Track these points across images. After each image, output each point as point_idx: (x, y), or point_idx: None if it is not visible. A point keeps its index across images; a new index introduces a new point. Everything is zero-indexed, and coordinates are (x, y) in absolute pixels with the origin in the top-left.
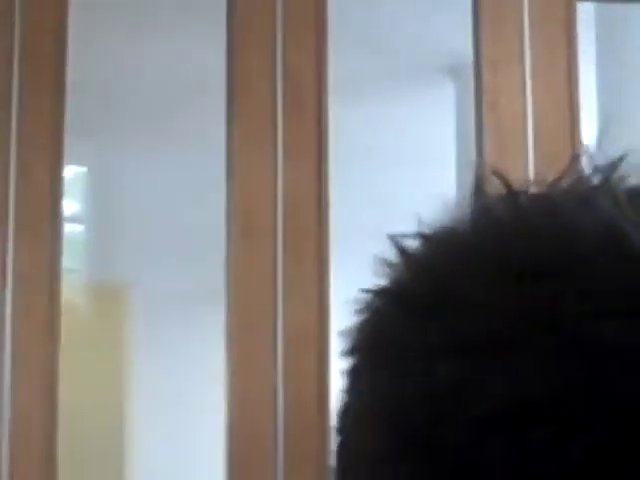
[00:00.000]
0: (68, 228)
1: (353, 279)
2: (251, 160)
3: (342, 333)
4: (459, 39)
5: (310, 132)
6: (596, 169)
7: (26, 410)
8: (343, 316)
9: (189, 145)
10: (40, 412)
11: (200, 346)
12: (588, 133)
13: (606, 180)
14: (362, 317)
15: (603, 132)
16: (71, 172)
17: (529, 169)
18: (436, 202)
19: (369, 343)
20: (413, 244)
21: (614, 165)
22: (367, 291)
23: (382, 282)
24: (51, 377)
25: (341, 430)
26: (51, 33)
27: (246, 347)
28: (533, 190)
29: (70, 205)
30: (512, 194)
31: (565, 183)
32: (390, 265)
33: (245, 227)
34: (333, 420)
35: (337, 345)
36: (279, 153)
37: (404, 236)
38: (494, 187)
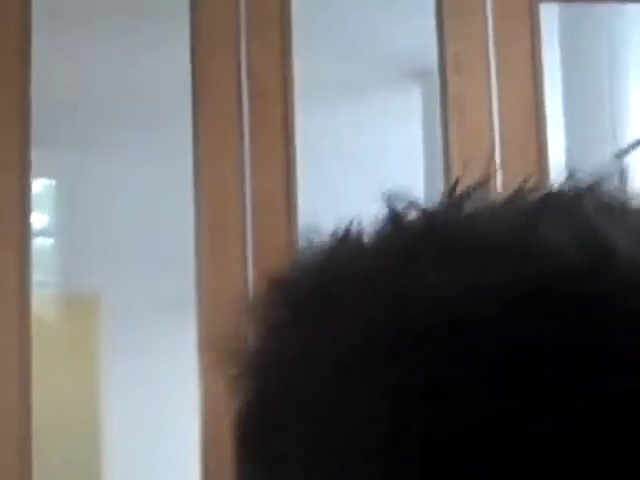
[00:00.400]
0: (38, 241)
1: None
2: (218, 167)
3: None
4: (425, 43)
5: (277, 138)
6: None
7: (0, 428)
8: None
9: (156, 153)
10: (14, 424)
11: (172, 353)
12: (553, 133)
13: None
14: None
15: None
16: (39, 185)
17: (496, 170)
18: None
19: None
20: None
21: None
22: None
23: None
24: (23, 389)
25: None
26: (15, 45)
27: (216, 350)
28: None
29: (39, 218)
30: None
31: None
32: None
33: (214, 234)
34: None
35: None
36: (246, 159)
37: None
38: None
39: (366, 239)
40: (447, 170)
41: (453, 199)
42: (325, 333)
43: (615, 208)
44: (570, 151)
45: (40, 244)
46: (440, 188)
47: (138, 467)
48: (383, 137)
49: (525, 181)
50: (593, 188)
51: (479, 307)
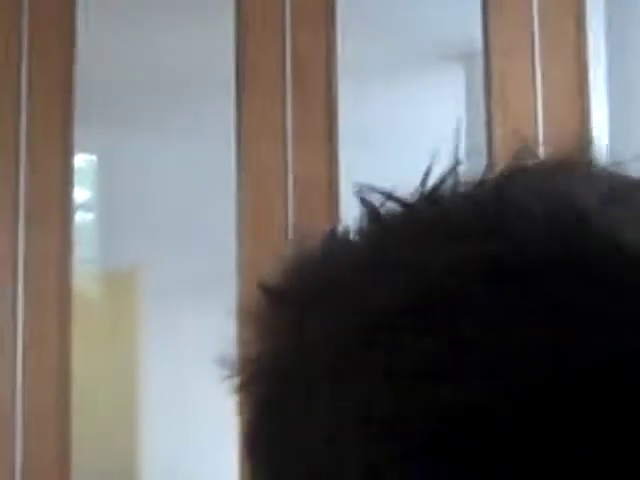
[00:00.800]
0: (79, 216)
1: None
2: (261, 144)
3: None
4: (470, 25)
5: (320, 115)
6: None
7: (40, 398)
8: None
9: (198, 130)
10: (55, 399)
11: (211, 331)
12: (598, 118)
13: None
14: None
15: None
16: (81, 161)
17: (539, 154)
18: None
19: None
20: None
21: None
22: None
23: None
24: (64, 363)
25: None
26: (59, 24)
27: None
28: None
29: (80, 193)
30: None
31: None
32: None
33: (255, 213)
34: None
35: None
36: (289, 139)
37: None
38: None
39: (352, 236)
40: (489, 151)
41: (427, 188)
42: (314, 332)
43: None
44: (613, 134)
45: (80, 219)
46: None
47: (175, 443)
48: (426, 117)
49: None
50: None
51: (449, 282)
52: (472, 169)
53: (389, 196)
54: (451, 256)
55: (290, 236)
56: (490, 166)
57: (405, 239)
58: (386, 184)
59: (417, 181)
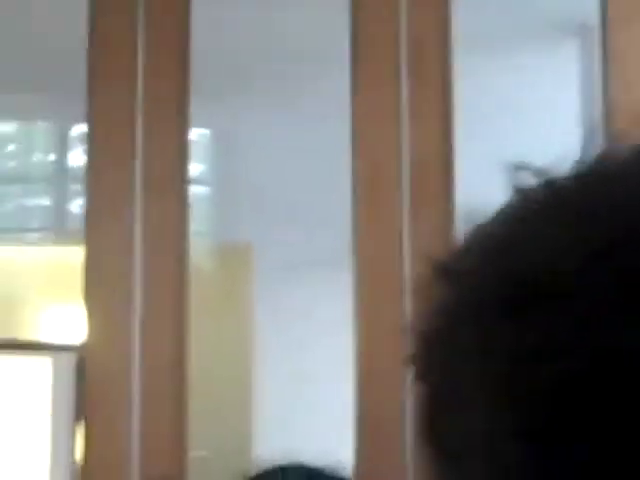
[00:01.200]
0: (193, 190)
1: None
2: (376, 121)
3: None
4: None
5: (435, 91)
6: None
7: (157, 370)
8: None
9: (313, 105)
10: (171, 371)
11: (325, 307)
12: None
13: None
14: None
15: None
16: (195, 134)
17: None
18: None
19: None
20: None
21: None
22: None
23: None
24: (181, 335)
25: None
26: None
27: (373, 307)
28: None
29: (195, 167)
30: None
31: None
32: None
33: (371, 189)
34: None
35: None
36: (404, 114)
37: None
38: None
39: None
40: (607, 125)
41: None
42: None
43: None
44: None
45: (194, 193)
46: (598, 142)
47: (290, 417)
48: (541, 92)
49: None
50: None
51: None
52: (592, 145)
53: (539, 173)
54: (581, 235)
55: (405, 213)
56: (611, 140)
57: (550, 216)
58: (503, 159)
59: (532, 156)
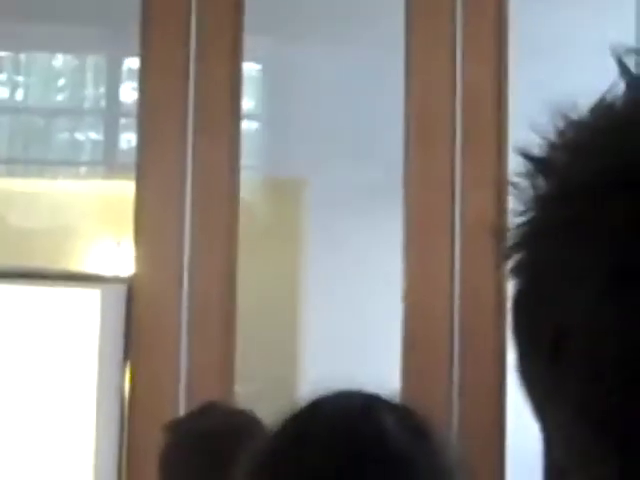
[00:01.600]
0: (245, 125)
1: None
2: (430, 59)
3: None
4: None
5: (490, 30)
6: None
7: (207, 299)
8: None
9: (367, 40)
10: (220, 300)
11: (375, 243)
12: None
13: None
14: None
15: None
16: (246, 69)
17: None
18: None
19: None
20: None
21: None
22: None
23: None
24: (230, 267)
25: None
26: None
27: (423, 244)
28: None
29: (246, 102)
30: None
31: None
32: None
33: (423, 125)
34: (509, 318)
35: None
36: (458, 51)
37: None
38: None
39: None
40: None
41: None
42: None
43: None
44: None
45: (246, 128)
46: None
47: (336, 355)
48: (597, 28)
49: None
50: None
51: None
52: None
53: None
54: None
55: (458, 149)
56: None
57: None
58: (557, 97)
59: (585, 92)
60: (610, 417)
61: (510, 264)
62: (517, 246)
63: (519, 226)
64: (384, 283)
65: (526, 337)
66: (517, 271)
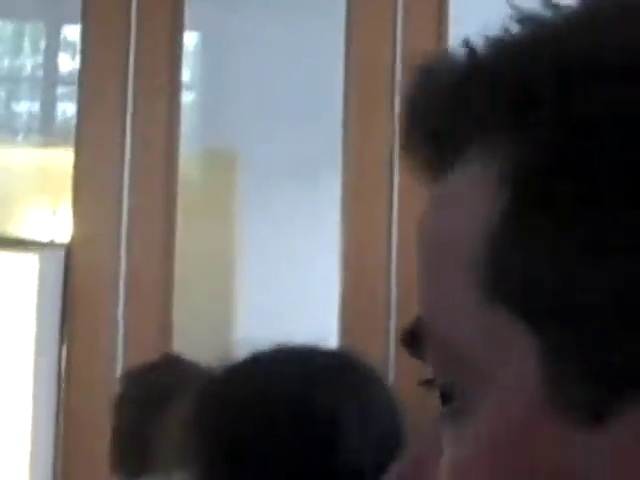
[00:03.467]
0: (182, 96)
1: None
2: (370, 27)
3: None
4: None
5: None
6: None
7: (144, 272)
8: None
9: (307, 6)
10: (158, 270)
11: (312, 214)
12: None
13: None
14: None
15: None
16: (188, 37)
17: None
18: None
19: None
20: None
21: None
22: None
23: None
24: (169, 237)
25: None
26: None
27: (361, 211)
28: None
29: (184, 73)
30: None
31: None
32: None
33: (362, 95)
34: None
35: None
36: (399, 17)
37: None
38: None
39: None
40: None
41: None
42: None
43: None
44: None
45: (184, 98)
46: None
47: (272, 323)
48: None
49: None
50: None
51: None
52: None
53: None
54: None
55: (397, 115)
56: None
57: None
58: None
59: None
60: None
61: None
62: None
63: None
64: (321, 253)
65: None
66: None
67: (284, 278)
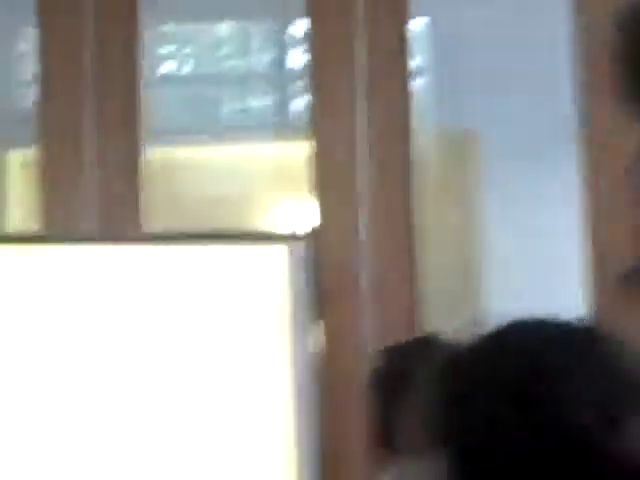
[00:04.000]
0: (414, 81)
1: None
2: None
3: None
4: None
5: None
6: None
7: (386, 261)
8: None
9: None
10: (399, 259)
11: (551, 191)
12: None
13: None
14: None
15: None
16: (415, 23)
17: None
18: None
19: None
20: None
21: None
22: None
23: None
24: (407, 222)
25: None
26: None
27: (602, 189)
28: None
29: (415, 57)
30: None
31: None
32: None
33: (592, 69)
34: None
35: None
36: None
37: None
38: None
39: None
40: None
41: None
42: None
43: None
44: None
45: (416, 84)
46: None
47: (517, 299)
48: None
49: None
50: None
51: None
52: None
53: None
54: None
55: None
56: None
57: None
58: None
59: None
60: None
61: None
62: None
63: None
64: (561, 229)
65: None
66: None
67: (527, 254)
